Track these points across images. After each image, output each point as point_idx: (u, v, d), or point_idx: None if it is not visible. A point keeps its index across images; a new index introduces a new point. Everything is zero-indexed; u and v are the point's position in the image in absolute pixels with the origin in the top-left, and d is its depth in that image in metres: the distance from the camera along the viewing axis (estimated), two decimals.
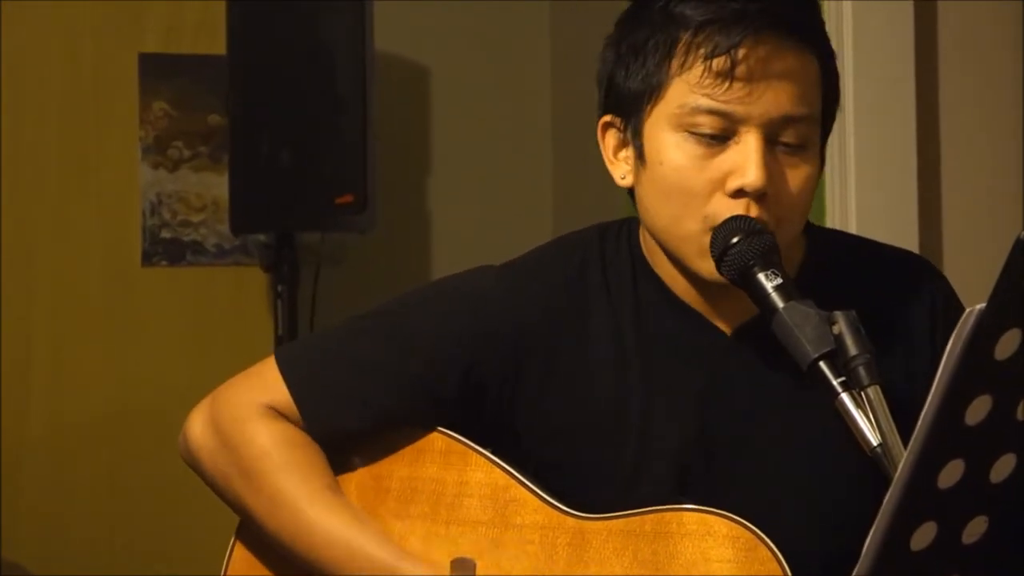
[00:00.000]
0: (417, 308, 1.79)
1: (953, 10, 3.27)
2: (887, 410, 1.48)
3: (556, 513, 1.68)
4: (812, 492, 1.72)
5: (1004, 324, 1.13)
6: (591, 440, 1.73)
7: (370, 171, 3.68)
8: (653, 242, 1.73)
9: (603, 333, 1.74)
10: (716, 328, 1.73)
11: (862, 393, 1.49)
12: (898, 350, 1.69)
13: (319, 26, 3.71)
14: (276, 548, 1.75)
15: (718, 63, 1.61)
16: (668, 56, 1.64)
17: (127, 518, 3.85)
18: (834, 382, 1.50)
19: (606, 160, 1.74)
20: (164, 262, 3.97)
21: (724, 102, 1.62)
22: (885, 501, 1.20)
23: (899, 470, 1.19)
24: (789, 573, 1.58)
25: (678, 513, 1.63)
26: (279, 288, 3.76)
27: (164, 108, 3.96)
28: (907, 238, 3.11)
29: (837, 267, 1.76)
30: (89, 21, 3.89)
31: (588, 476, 1.72)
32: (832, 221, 3.14)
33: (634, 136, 1.69)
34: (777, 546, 1.59)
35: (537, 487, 1.71)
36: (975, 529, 1.22)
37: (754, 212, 1.63)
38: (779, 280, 1.58)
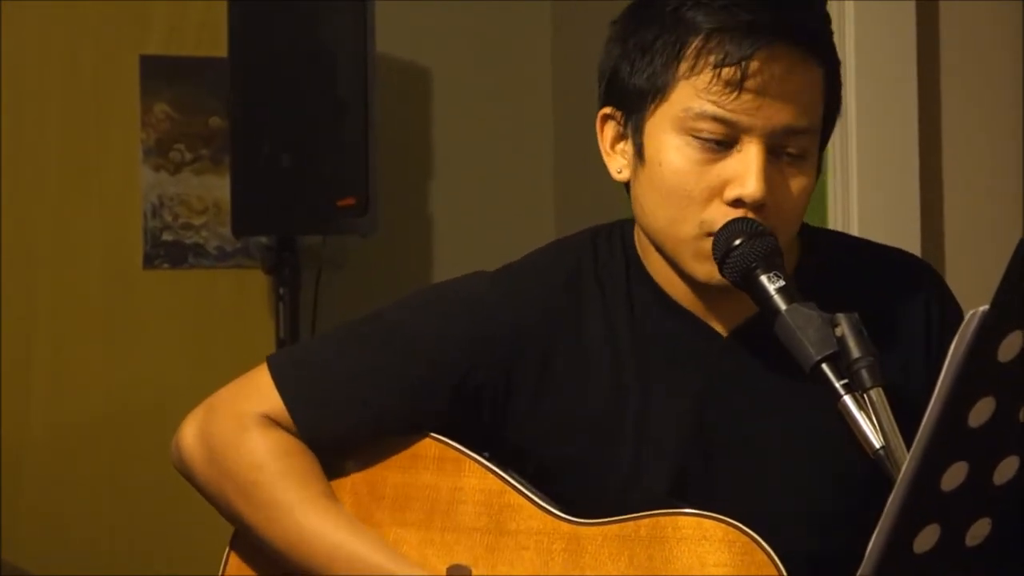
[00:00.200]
0: (412, 313, 1.78)
1: (954, 10, 3.27)
2: (890, 412, 1.48)
3: (551, 519, 1.68)
4: (809, 493, 1.71)
5: (1007, 326, 1.13)
6: (588, 443, 1.72)
7: (371, 173, 3.68)
8: (648, 243, 1.73)
9: (598, 335, 1.74)
10: (712, 329, 1.73)
11: (865, 395, 1.49)
12: (894, 350, 1.69)
13: (320, 28, 3.71)
14: (271, 557, 1.74)
15: (727, 72, 1.61)
16: (676, 58, 1.64)
17: (127, 519, 3.85)
18: (837, 384, 1.50)
19: (603, 151, 1.74)
20: (166, 264, 3.97)
21: (730, 111, 1.62)
22: (888, 503, 1.20)
23: (902, 472, 1.19)
24: None
25: (674, 517, 1.63)
26: (280, 291, 3.76)
27: (165, 110, 3.96)
28: (908, 239, 3.11)
29: (832, 268, 1.76)
30: (90, 23, 3.89)
31: (585, 479, 1.72)
32: (834, 222, 3.13)
33: (634, 133, 1.69)
34: (774, 548, 1.58)
35: (532, 492, 1.70)
36: (978, 531, 1.22)
37: (753, 219, 1.63)
38: (781, 282, 1.59)
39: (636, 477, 1.71)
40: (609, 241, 1.78)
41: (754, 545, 1.59)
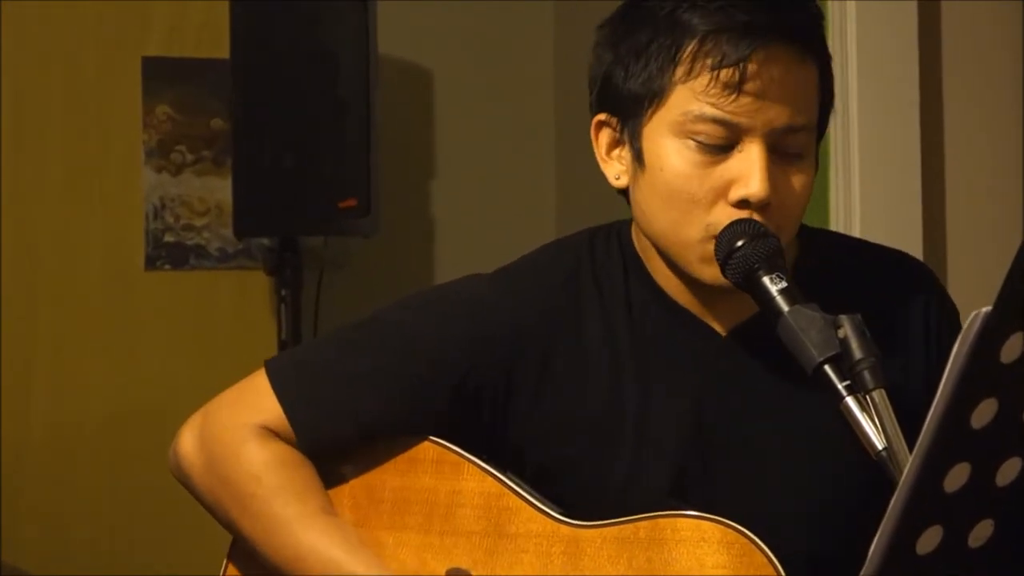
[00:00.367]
0: (410, 315, 1.78)
1: (956, 10, 3.27)
2: (892, 414, 1.47)
3: (550, 521, 1.68)
4: (808, 494, 1.71)
5: (1009, 328, 1.13)
6: (587, 443, 1.72)
7: (373, 175, 3.68)
8: (647, 243, 1.73)
9: (597, 335, 1.73)
10: (711, 329, 1.73)
11: (867, 397, 1.49)
12: (893, 351, 1.69)
13: (322, 29, 3.71)
14: (269, 569, 1.74)
15: (726, 74, 1.61)
16: (673, 62, 1.63)
17: (128, 521, 3.85)
18: (839, 386, 1.50)
19: (599, 158, 1.73)
20: (167, 266, 3.97)
21: (730, 112, 1.62)
22: (891, 504, 1.20)
23: (905, 473, 1.18)
24: None
25: (672, 519, 1.63)
26: (282, 292, 3.76)
27: (167, 112, 3.96)
28: (910, 239, 3.11)
29: (830, 269, 1.75)
30: (92, 25, 3.89)
31: (584, 479, 1.72)
32: (836, 222, 3.13)
33: (632, 138, 1.68)
34: (773, 549, 1.58)
35: (531, 495, 1.70)
36: (981, 533, 1.22)
37: (756, 219, 1.63)
38: (784, 283, 1.58)
39: (635, 478, 1.70)
40: (607, 241, 1.78)
41: (753, 547, 1.58)
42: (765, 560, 1.58)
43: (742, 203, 1.62)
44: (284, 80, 3.67)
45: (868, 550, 1.21)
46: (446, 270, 3.98)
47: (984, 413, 1.16)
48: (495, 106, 4.24)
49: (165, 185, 3.96)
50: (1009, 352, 1.14)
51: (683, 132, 1.64)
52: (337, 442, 1.75)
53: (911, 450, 1.22)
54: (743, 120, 1.62)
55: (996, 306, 1.12)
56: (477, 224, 4.16)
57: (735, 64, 1.60)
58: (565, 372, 1.73)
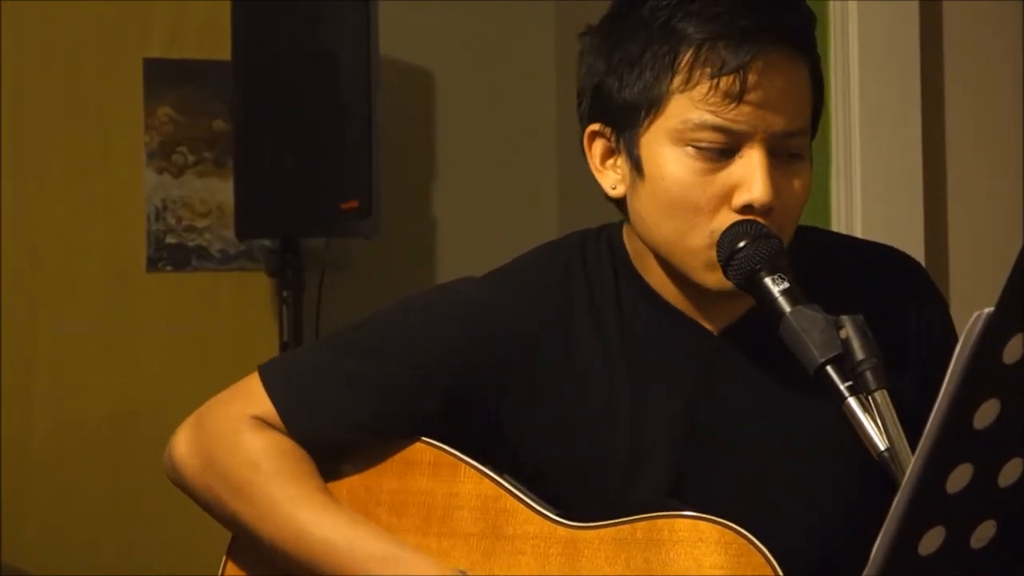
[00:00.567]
0: (402, 317, 1.78)
1: (958, 10, 3.27)
2: (894, 414, 1.48)
3: (547, 523, 1.68)
4: (805, 492, 1.72)
5: (1011, 328, 1.13)
6: (581, 445, 1.72)
7: (375, 176, 3.68)
8: (640, 246, 1.72)
9: (589, 337, 1.73)
10: (703, 329, 1.73)
11: (869, 397, 1.49)
12: (885, 347, 1.68)
13: (323, 31, 3.71)
14: (270, 561, 1.74)
15: (725, 82, 1.61)
16: (670, 71, 1.63)
17: (129, 521, 3.85)
18: (841, 387, 1.50)
19: (593, 169, 1.73)
20: (169, 267, 3.97)
21: (730, 119, 1.62)
22: (893, 505, 1.20)
23: (907, 474, 1.18)
24: None
25: (670, 520, 1.63)
26: (284, 293, 3.76)
27: (169, 113, 3.96)
28: (912, 239, 3.11)
29: (821, 267, 1.75)
30: (93, 26, 3.89)
31: (580, 480, 1.72)
32: (837, 222, 3.13)
33: (629, 148, 1.68)
34: (771, 549, 1.58)
35: (528, 497, 1.70)
36: (983, 534, 1.22)
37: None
38: (786, 284, 1.58)
39: (631, 478, 1.70)
40: (597, 243, 1.78)
41: (750, 547, 1.59)
42: (763, 560, 1.58)
43: (746, 208, 1.62)
44: (285, 81, 3.67)
45: (868, 550, 1.21)
46: (447, 271, 3.97)
47: (986, 414, 1.16)
48: (496, 107, 4.24)
49: (167, 186, 3.96)
50: (1011, 353, 1.14)
51: (683, 140, 1.63)
52: (331, 443, 1.76)
53: (913, 451, 1.22)
54: (744, 127, 1.62)
55: (998, 307, 1.12)
56: (478, 225, 4.16)
57: (734, 71, 1.60)
58: (558, 373, 1.73)
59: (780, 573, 1.57)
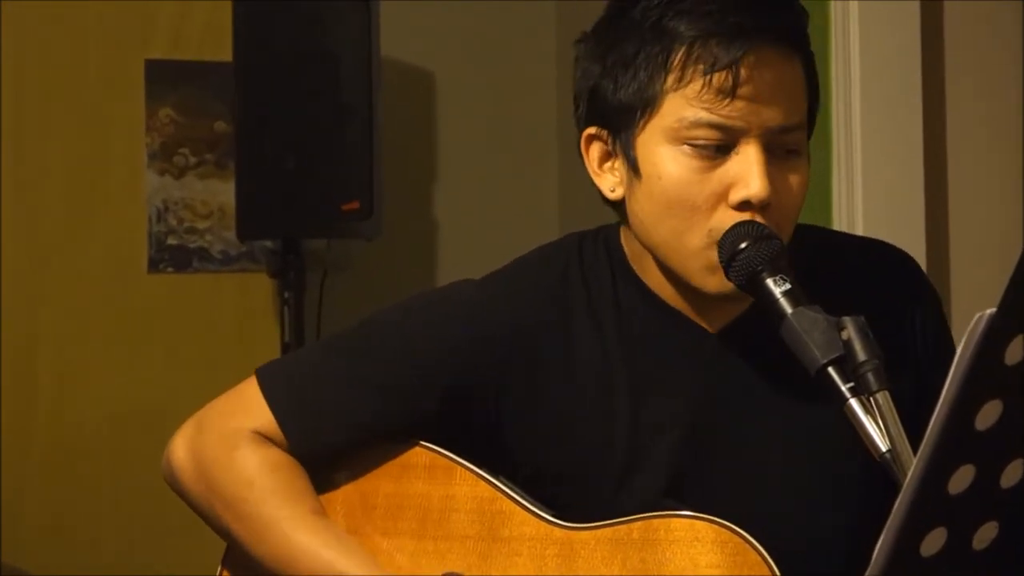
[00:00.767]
0: (400, 319, 1.78)
1: (959, 10, 3.27)
2: (896, 416, 1.48)
3: (544, 524, 1.68)
4: (804, 493, 1.72)
5: (1013, 329, 1.13)
6: (579, 446, 1.72)
7: (376, 177, 3.68)
8: (637, 247, 1.72)
9: (587, 338, 1.73)
10: (701, 329, 1.73)
11: (871, 399, 1.49)
12: (881, 344, 1.68)
13: (324, 32, 3.71)
14: (262, 573, 1.74)
15: (718, 78, 1.61)
16: (663, 70, 1.63)
17: (130, 522, 3.85)
18: (843, 388, 1.50)
19: (591, 172, 1.73)
20: (170, 269, 3.97)
21: (725, 116, 1.61)
22: (895, 506, 1.20)
23: (909, 475, 1.18)
24: None
25: (666, 520, 1.63)
26: (285, 294, 3.76)
27: (170, 115, 3.96)
28: (913, 238, 3.11)
29: (819, 265, 1.75)
30: (94, 27, 3.89)
31: (578, 482, 1.72)
32: (838, 221, 3.14)
33: (625, 149, 1.68)
34: (768, 548, 1.59)
35: (523, 498, 1.70)
36: (985, 535, 1.22)
37: (758, 221, 1.62)
38: (787, 285, 1.58)
39: (629, 479, 1.71)
40: (595, 245, 1.78)
41: (747, 546, 1.59)
42: (759, 559, 1.58)
43: (743, 205, 1.62)
44: (287, 83, 3.67)
45: (868, 551, 1.21)
46: (448, 272, 3.98)
47: (988, 415, 1.16)
48: (497, 108, 4.24)
49: (168, 188, 3.96)
50: (1013, 354, 1.14)
51: (678, 139, 1.63)
52: (329, 446, 1.76)
53: (915, 452, 1.22)
54: (738, 123, 1.62)
55: (1000, 308, 1.12)
56: (479, 226, 4.16)
57: (727, 68, 1.60)
58: (556, 375, 1.73)
59: (776, 572, 1.57)
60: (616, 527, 1.65)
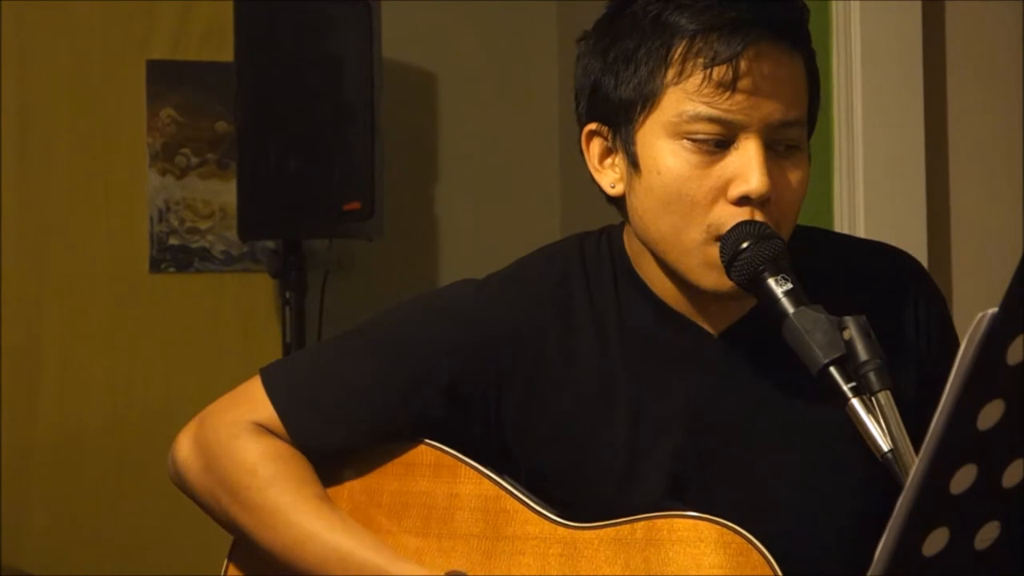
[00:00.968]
0: (401, 320, 1.79)
1: (960, 11, 3.27)
2: (898, 415, 1.48)
3: (547, 523, 1.68)
4: (806, 494, 1.72)
5: (1015, 329, 1.13)
6: (581, 446, 1.72)
7: (377, 177, 3.68)
8: (639, 246, 1.72)
9: (588, 339, 1.73)
10: (703, 330, 1.73)
11: (872, 398, 1.49)
12: (884, 344, 1.68)
13: (326, 33, 3.71)
14: (270, 565, 1.74)
15: (718, 72, 1.61)
16: (663, 64, 1.63)
17: (132, 524, 3.85)
18: (844, 388, 1.50)
19: (591, 168, 1.73)
20: (172, 269, 3.97)
21: (725, 110, 1.61)
22: (897, 506, 1.20)
23: (911, 475, 1.18)
24: None
25: (669, 520, 1.63)
26: (287, 295, 3.77)
27: (171, 115, 3.96)
28: (914, 239, 3.11)
29: (820, 266, 1.75)
30: (96, 28, 3.90)
31: (580, 482, 1.72)
32: (840, 222, 3.13)
33: (626, 145, 1.67)
34: (772, 549, 1.59)
35: (528, 497, 1.71)
36: (987, 534, 1.22)
37: (758, 217, 1.62)
38: (789, 285, 1.58)
39: (631, 480, 1.71)
40: (597, 245, 1.78)
41: (749, 546, 1.59)
42: (762, 560, 1.58)
43: (742, 200, 1.62)
44: (288, 83, 3.68)
45: (871, 551, 1.21)
46: (450, 273, 3.98)
47: (990, 415, 1.15)
48: (499, 109, 4.24)
49: (169, 188, 3.96)
50: (1015, 354, 1.14)
51: (678, 133, 1.63)
52: (332, 447, 1.76)
53: (917, 452, 1.22)
54: (738, 117, 1.61)
55: (1002, 308, 1.12)
56: (481, 227, 4.16)
57: (727, 61, 1.60)
58: (557, 376, 1.73)
59: (779, 573, 1.57)
60: (619, 527, 1.65)
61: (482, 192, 4.22)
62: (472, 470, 1.72)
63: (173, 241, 3.97)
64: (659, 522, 1.63)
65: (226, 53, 3.77)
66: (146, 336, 3.92)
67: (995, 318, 1.12)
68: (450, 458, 1.73)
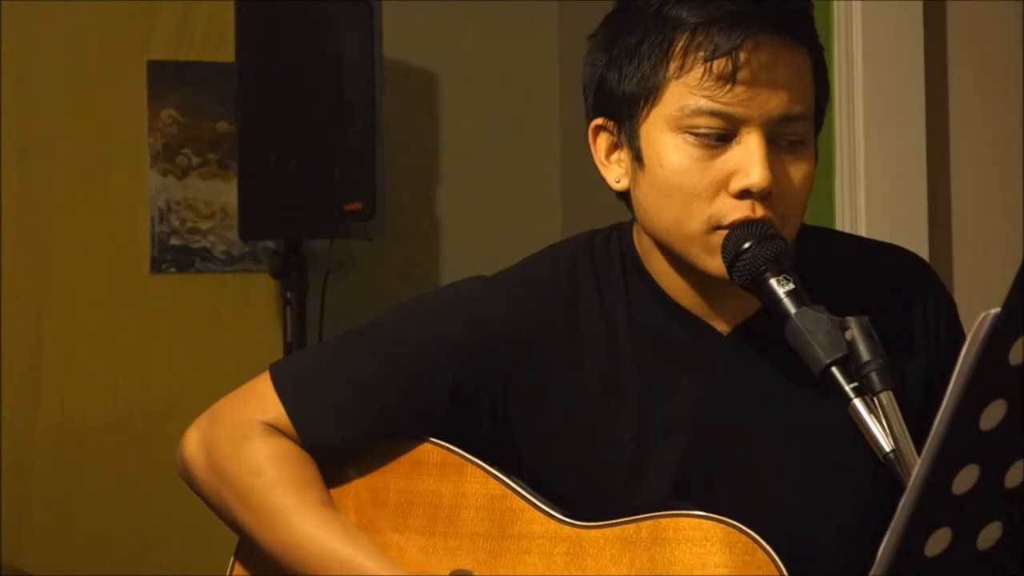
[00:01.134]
0: (409, 321, 1.78)
1: (962, 11, 3.27)
2: (900, 416, 1.47)
3: (553, 522, 1.68)
4: (812, 493, 1.71)
5: (1018, 329, 1.13)
6: (588, 445, 1.72)
7: (378, 178, 3.68)
8: (649, 244, 1.73)
9: (597, 337, 1.73)
10: (712, 328, 1.73)
11: (875, 399, 1.49)
12: (891, 347, 1.68)
13: (327, 33, 3.71)
14: (275, 565, 1.74)
15: (718, 65, 1.61)
16: (665, 58, 1.63)
17: (133, 524, 3.85)
18: (847, 388, 1.50)
19: (598, 163, 1.73)
20: (173, 269, 3.97)
21: (726, 104, 1.61)
22: (900, 506, 1.20)
23: (913, 475, 1.18)
24: None
25: (674, 519, 1.63)
26: (288, 295, 3.77)
27: (173, 115, 3.96)
28: (916, 238, 3.11)
29: (828, 267, 1.75)
30: (97, 28, 3.90)
31: (586, 481, 1.72)
32: (841, 222, 3.13)
33: (630, 139, 1.68)
34: (776, 548, 1.58)
35: (534, 496, 1.70)
36: (989, 535, 1.22)
37: (759, 212, 1.62)
38: (791, 285, 1.58)
39: (639, 478, 1.70)
40: (607, 243, 1.78)
41: (755, 545, 1.59)
42: (767, 558, 1.58)
43: (744, 193, 1.62)
44: (289, 83, 3.68)
45: (874, 550, 1.21)
46: (451, 273, 3.97)
47: (993, 415, 1.15)
48: (500, 109, 4.24)
49: (170, 188, 3.96)
50: (1018, 354, 1.13)
51: (680, 127, 1.63)
52: (340, 444, 1.76)
53: (919, 452, 1.22)
54: (739, 110, 1.61)
55: (1004, 307, 1.12)
56: (482, 227, 4.16)
57: (727, 54, 1.60)
58: (564, 374, 1.73)
59: (784, 572, 1.57)
60: (625, 526, 1.65)
61: (483, 192, 4.22)
62: (478, 469, 1.72)
63: (174, 241, 3.97)
64: (665, 521, 1.63)
65: (227, 53, 3.77)
66: (147, 336, 3.92)
67: (997, 318, 1.12)
68: (456, 457, 1.73)
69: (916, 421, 1.47)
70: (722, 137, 1.63)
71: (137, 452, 3.84)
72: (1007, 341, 1.13)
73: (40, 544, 3.77)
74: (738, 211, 1.62)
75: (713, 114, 1.62)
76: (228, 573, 1.80)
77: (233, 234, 3.88)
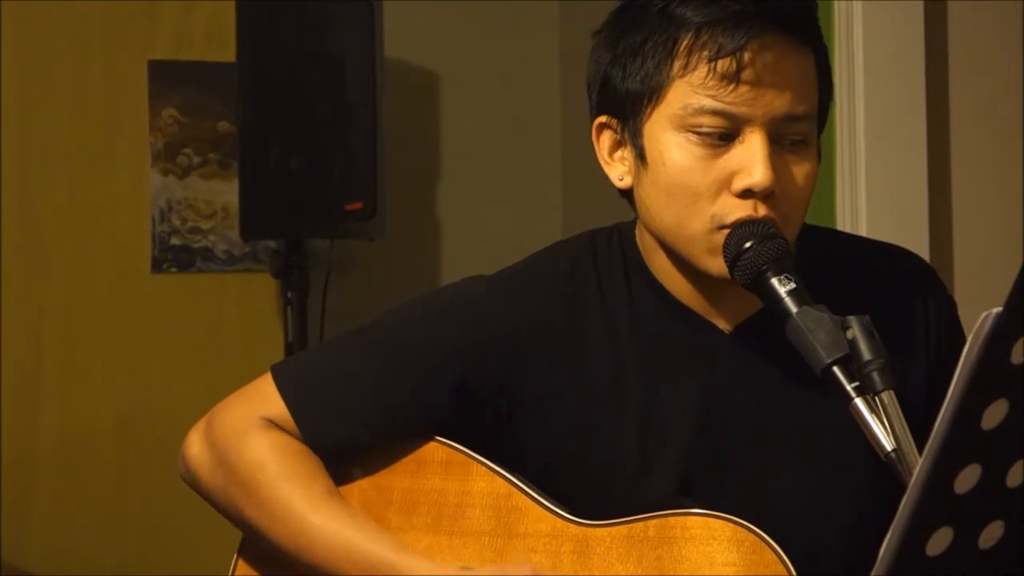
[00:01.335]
0: (410, 321, 1.78)
1: (962, 11, 3.27)
2: (901, 415, 1.47)
3: (559, 521, 1.68)
4: (815, 491, 1.71)
5: (1020, 328, 1.13)
6: (592, 444, 1.72)
7: (379, 177, 3.68)
8: (651, 242, 1.73)
9: (599, 335, 1.73)
10: (715, 327, 1.73)
11: (876, 398, 1.49)
12: (892, 347, 1.68)
13: (328, 33, 3.71)
14: (279, 562, 1.74)
15: (722, 65, 1.61)
16: (669, 57, 1.63)
17: (134, 524, 3.85)
18: (848, 387, 1.50)
19: (601, 161, 1.73)
20: (174, 269, 3.97)
21: (729, 103, 1.62)
22: (901, 505, 1.20)
23: (915, 474, 1.18)
24: (795, 575, 1.58)
25: (682, 518, 1.63)
26: (289, 295, 3.77)
27: (173, 115, 3.96)
28: (917, 238, 3.11)
29: (830, 267, 1.75)
30: (98, 28, 3.90)
31: (591, 480, 1.72)
32: (842, 222, 3.13)
33: (633, 137, 1.68)
34: (782, 546, 1.58)
35: (539, 495, 1.70)
36: (991, 534, 1.22)
37: (761, 211, 1.62)
38: (792, 285, 1.58)
39: (642, 477, 1.70)
40: (609, 242, 1.78)
41: (763, 544, 1.59)
42: (775, 558, 1.58)
43: (746, 193, 1.62)
44: (290, 83, 3.68)
45: (877, 548, 1.21)
46: (452, 272, 3.97)
47: (994, 414, 1.15)
48: (501, 108, 4.24)
49: (171, 188, 3.97)
50: (1019, 353, 1.13)
51: (683, 126, 1.63)
52: (343, 445, 1.76)
53: (920, 451, 1.22)
54: (742, 110, 1.62)
55: (1006, 307, 1.12)
56: (483, 226, 4.16)
57: (731, 54, 1.60)
58: (567, 373, 1.73)
59: (792, 570, 1.57)
60: (632, 524, 1.64)
61: (484, 192, 4.22)
62: (484, 467, 1.72)
63: (175, 241, 3.97)
64: (672, 520, 1.63)
65: (228, 53, 3.77)
66: (148, 336, 3.92)
67: (999, 318, 1.12)
68: (461, 455, 1.73)
69: (917, 421, 1.47)
70: (725, 136, 1.63)
71: (138, 452, 3.84)
72: (1009, 341, 1.13)
73: (40, 544, 3.77)
74: (740, 210, 1.62)
75: (716, 113, 1.62)
76: (231, 571, 1.80)
77: (234, 234, 3.88)
